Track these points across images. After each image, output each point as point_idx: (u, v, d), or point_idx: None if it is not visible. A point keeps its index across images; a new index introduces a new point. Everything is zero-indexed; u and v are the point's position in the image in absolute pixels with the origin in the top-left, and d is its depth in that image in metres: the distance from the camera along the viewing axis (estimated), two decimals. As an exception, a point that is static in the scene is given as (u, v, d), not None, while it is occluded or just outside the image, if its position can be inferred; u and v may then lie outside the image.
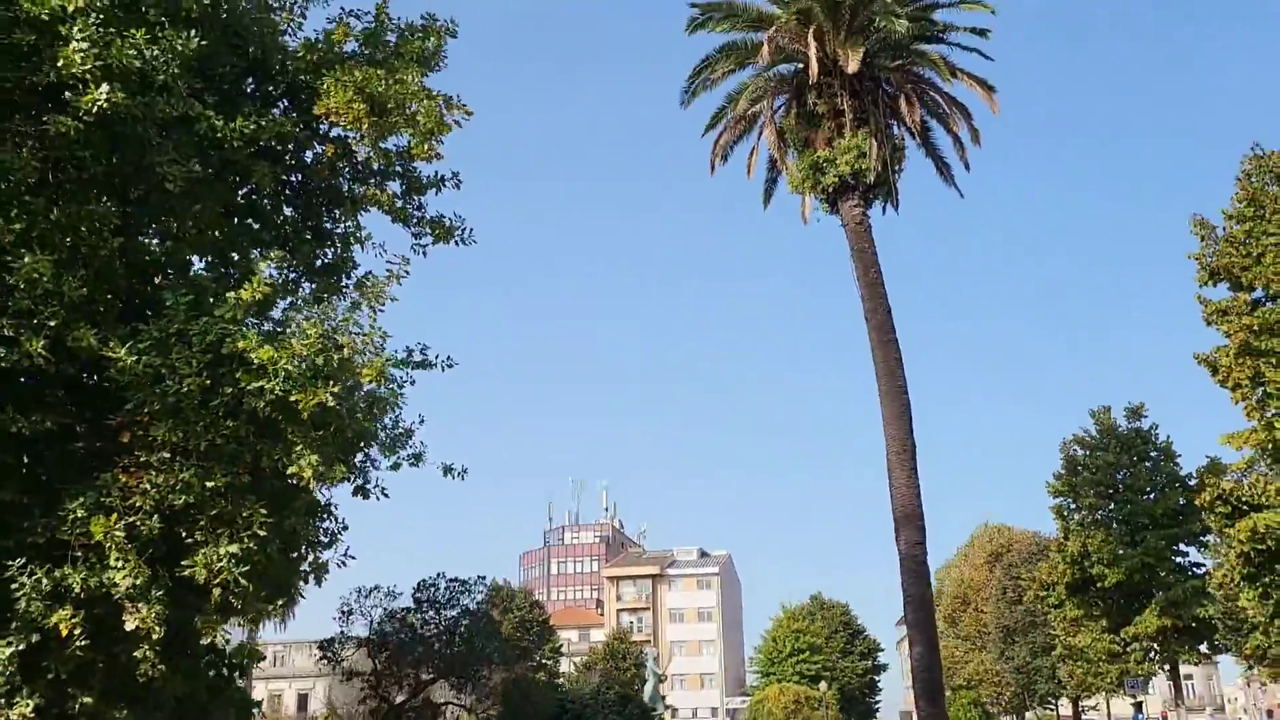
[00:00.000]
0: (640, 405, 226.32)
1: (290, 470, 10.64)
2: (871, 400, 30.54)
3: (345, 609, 20.47)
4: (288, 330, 12.74)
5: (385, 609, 19.67)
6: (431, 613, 19.40)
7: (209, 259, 14.28)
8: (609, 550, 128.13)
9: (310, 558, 11.80)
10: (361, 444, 11.64)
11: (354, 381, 11.33)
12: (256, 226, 14.49)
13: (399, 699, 18.64)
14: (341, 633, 20.80)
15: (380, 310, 11.87)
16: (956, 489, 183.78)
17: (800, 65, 29.74)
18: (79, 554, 10.45)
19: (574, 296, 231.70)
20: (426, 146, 13.42)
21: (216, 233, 13.67)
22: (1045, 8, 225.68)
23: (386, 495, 11.89)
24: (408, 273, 12.23)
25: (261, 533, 10.52)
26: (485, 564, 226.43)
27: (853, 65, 26.91)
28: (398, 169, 15.06)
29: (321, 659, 16.66)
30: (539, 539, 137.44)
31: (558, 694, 24.61)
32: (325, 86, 13.32)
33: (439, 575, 23.34)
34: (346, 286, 14.46)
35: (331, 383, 10.74)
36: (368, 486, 11.80)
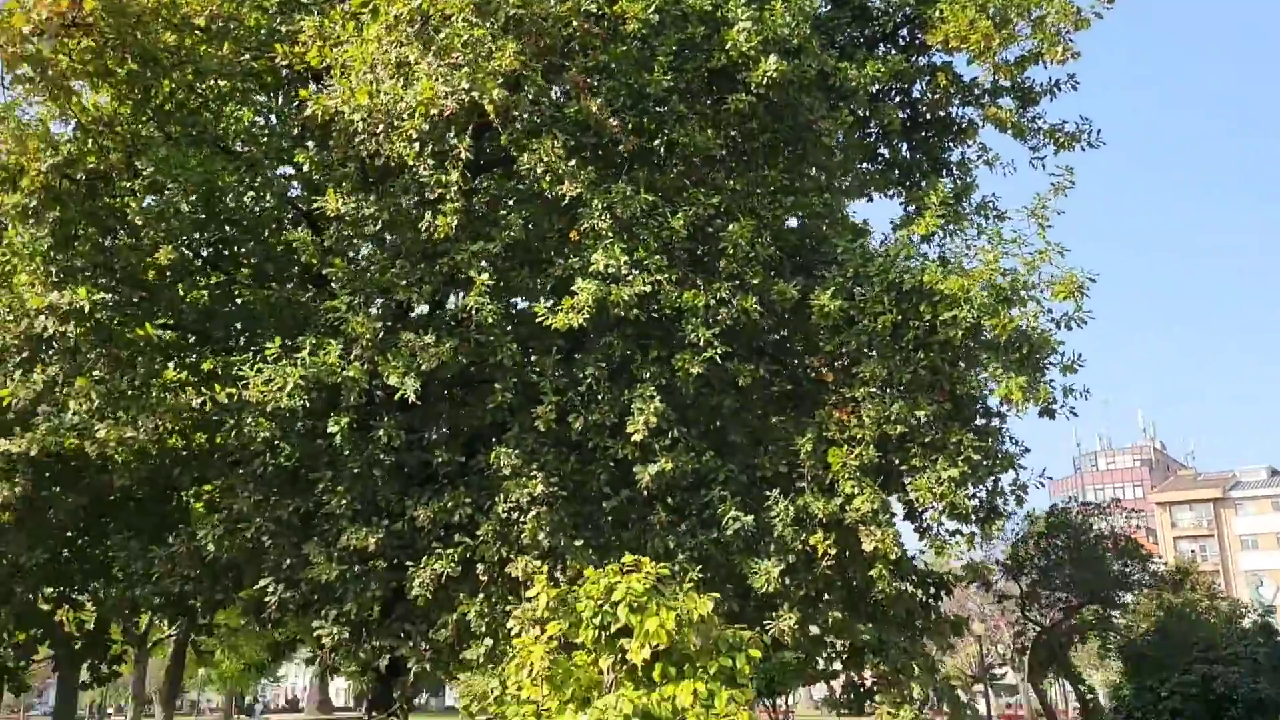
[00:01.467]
0: (1169, 315, 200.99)
1: (999, 394, 10.79)
2: None
3: (985, 536, 20.59)
4: (929, 257, 12.85)
5: (1021, 534, 19.62)
6: (1066, 536, 18.95)
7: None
8: (1152, 474, 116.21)
9: (1009, 479, 11.91)
10: (1045, 364, 11.41)
11: (1036, 301, 11.17)
12: (877, 168, 14.97)
13: (1047, 621, 18.49)
14: (988, 558, 21.15)
15: (1048, 226, 11.52)
16: None
17: None
18: (805, 484, 11.59)
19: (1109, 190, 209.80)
20: (1061, 49, 12.73)
21: (849, 179, 14.38)
22: None
23: (1075, 414, 11.57)
24: (1072, 183, 11.71)
25: (976, 456, 10.82)
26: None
27: None
28: (1005, 84, 14.59)
29: (972, 583, 17.02)
30: (1066, 465, 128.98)
31: (1203, 627, 22.74)
32: (939, 13, 13.22)
33: (1070, 499, 22.71)
34: (968, 213, 14.27)
35: (1025, 304, 10.71)
36: (1054, 407, 11.54)
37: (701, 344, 11.07)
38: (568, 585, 7.08)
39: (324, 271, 11.84)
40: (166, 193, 11.53)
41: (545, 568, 9.90)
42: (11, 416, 14.22)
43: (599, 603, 6.52)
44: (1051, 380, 11.56)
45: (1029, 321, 10.96)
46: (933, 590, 12.74)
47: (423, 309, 13.22)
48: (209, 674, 62.01)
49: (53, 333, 10.90)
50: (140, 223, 11.25)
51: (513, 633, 10.77)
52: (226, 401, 10.62)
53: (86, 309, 10.79)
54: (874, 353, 11.39)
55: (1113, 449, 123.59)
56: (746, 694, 6.44)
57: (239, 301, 14.21)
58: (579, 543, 11.21)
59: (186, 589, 12.96)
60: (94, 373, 11.19)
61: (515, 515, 11.35)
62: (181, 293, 13.39)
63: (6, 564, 14.25)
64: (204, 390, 10.74)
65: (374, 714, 12.99)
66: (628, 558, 6.86)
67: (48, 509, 13.61)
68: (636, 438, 11.00)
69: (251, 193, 13.80)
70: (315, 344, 10.94)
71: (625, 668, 6.46)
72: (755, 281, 11.67)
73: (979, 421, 12.19)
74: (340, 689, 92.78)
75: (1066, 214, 11.81)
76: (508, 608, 11.01)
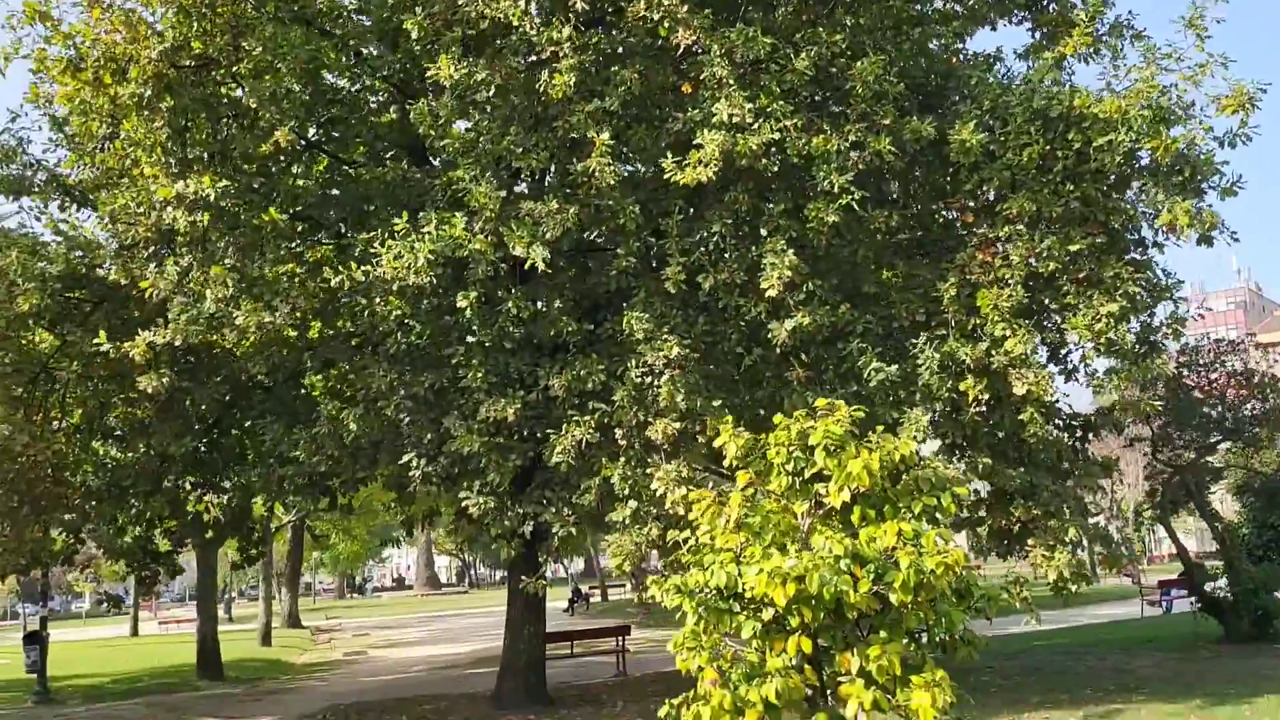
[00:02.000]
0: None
1: (1162, 221, 10.16)
2: None
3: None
4: (1063, 81, 11.92)
5: (1151, 375, 18.78)
6: (1196, 375, 18.28)
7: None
8: (1248, 316, 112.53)
9: (1169, 311, 11.32)
10: (1205, 187, 10.68)
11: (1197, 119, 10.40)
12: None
13: (1181, 463, 18.07)
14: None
15: (1207, 36, 10.59)
16: None
17: None
18: (946, 331, 11.19)
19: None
20: None
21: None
22: None
23: (1236, 239, 10.87)
24: (1234, -16, 10.68)
25: (1134, 289, 10.30)
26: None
27: None
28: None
29: (1127, 422, 16.22)
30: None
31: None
32: None
33: (1204, 336, 22.00)
34: (1102, 35, 13.21)
35: (1185, 122, 9.97)
36: (1211, 234, 10.83)
37: (836, 190, 10.58)
38: (748, 439, 6.89)
39: (440, 144, 11.56)
40: (274, 74, 11.27)
41: (702, 425, 9.78)
42: (138, 315, 14.50)
43: (791, 449, 6.37)
44: (1211, 204, 10.86)
45: (1191, 141, 10.22)
46: (1079, 433, 12.41)
47: (533, 179, 12.93)
48: (321, 557, 65.37)
49: (182, 224, 10.89)
50: (254, 105, 11.04)
51: (657, 493, 10.94)
52: (362, 279, 10.56)
53: (212, 197, 10.73)
54: (1018, 188, 10.77)
55: (1204, 292, 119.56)
56: (949, 533, 6.30)
57: (345, 185, 14.07)
58: (716, 403, 11.08)
59: (328, 469, 13.29)
60: (225, 261, 11.22)
61: (649, 379, 11.24)
62: (293, 180, 13.30)
63: (155, 454, 14.79)
64: (341, 269, 10.69)
65: (523, 578, 13.34)
66: (820, 402, 6.65)
67: (188, 399, 13.98)
68: (771, 293, 10.67)
69: (350, 72, 13.49)
70: (439, 218, 10.78)
71: (821, 512, 6.36)
72: (886, 122, 11.04)
73: (1132, 254, 11.59)
74: (443, 567, 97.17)
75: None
76: (648, 470, 11.07)
